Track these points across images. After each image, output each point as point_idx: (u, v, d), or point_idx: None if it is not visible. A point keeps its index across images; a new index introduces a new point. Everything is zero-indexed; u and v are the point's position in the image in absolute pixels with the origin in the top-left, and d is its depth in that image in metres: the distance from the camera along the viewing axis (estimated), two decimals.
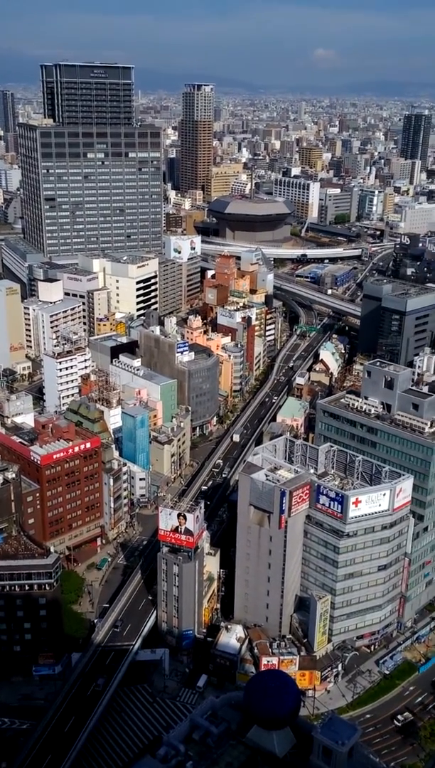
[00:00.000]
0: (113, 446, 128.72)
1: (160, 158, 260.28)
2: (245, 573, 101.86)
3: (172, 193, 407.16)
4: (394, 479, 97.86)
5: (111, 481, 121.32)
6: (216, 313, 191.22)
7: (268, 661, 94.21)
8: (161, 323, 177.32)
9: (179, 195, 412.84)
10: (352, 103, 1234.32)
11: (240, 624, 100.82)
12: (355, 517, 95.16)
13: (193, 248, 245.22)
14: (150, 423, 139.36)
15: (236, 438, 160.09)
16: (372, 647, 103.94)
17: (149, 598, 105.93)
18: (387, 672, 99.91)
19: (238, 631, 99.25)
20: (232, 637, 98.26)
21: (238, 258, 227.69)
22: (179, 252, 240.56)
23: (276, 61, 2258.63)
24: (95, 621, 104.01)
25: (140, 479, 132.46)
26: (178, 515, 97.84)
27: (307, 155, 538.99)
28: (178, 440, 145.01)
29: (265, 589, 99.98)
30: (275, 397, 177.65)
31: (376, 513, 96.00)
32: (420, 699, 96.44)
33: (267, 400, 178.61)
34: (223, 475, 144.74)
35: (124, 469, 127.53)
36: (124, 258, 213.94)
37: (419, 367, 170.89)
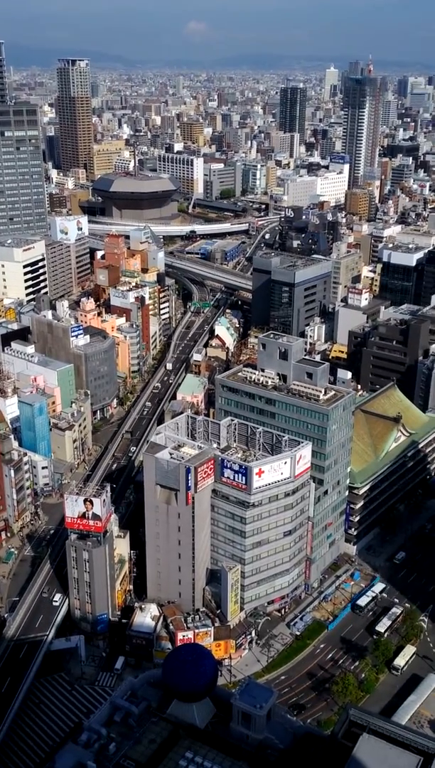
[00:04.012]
0: (11, 436, 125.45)
1: (39, 136, 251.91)
2: (156, 552, 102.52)
3: (53, 173, 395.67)
4: (294, 447, 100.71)
5: (12, 472, 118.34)
6: (108, 294, 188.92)
7: (184, 636, 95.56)
8: (53, 307, 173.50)
9: (61, 174, 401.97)
10: (229, 77, 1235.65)
11: (154, 602, 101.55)
12: (259, 487, 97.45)
13: (80, 229, 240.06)
14: (48, 410, 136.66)
15: (169, 366, 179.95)
16: (282, 611, 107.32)
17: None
18: (298, 633, 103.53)
19: (153, 609, 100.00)
20: (146, 617, 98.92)
21: (127, 237, 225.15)
22: (66, 233, 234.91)
23: (150, 34, 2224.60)
24: (6, 615, 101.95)
25: (42, 468, 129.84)
26: (85, 501, 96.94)
27: (188, 130, 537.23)
28: (79, 425, 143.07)
29: (176, 566, 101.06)
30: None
31: (278, 481, 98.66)
32: (331, 655, 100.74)
33: (166, 378, 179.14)
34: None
35: (25, 459, 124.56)
36: (9, 242, 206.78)
37: (311, 336, 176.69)
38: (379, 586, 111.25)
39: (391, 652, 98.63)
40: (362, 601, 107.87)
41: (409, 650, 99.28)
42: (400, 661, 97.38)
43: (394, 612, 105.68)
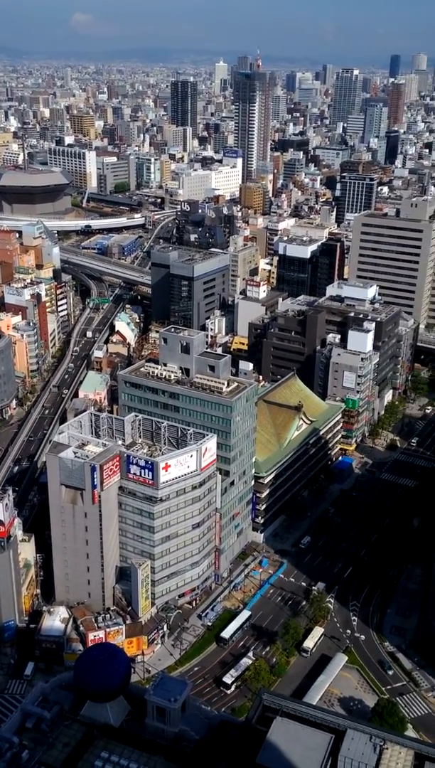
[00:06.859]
0: None
1: None
2: (63, 553, 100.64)
3: None
4: (199, 440, 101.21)
5: None
6: (2, 291, 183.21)
7: (95, 636, 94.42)
8: None
9: None
10: (118, 70, 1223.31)
11: (63, 605, 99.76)
12: (166, 481, 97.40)
13: None
14: None
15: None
16: (193, 603, 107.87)
17: None
18: (209, 623, 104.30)
19: (62, 612, 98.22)
20: (55, 620, 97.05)
21: (19, 232, 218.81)
22: None
23: (34, 25, 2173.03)
24: None
25: None
26: None
27: (78, 123, 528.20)
28: None
29: (84, 566, 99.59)
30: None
31: (185, 475, 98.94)
32: (242, 642, 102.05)
33: (67, 376, 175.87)
34: None
35: None
36: None
37: (211, 329, 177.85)
38: (245, 614, 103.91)
39: (301, 635, 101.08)
40: (226, 633, 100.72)
41: (317, 632, 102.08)
42: (309, 643, 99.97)
43: (245, 662, 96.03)
